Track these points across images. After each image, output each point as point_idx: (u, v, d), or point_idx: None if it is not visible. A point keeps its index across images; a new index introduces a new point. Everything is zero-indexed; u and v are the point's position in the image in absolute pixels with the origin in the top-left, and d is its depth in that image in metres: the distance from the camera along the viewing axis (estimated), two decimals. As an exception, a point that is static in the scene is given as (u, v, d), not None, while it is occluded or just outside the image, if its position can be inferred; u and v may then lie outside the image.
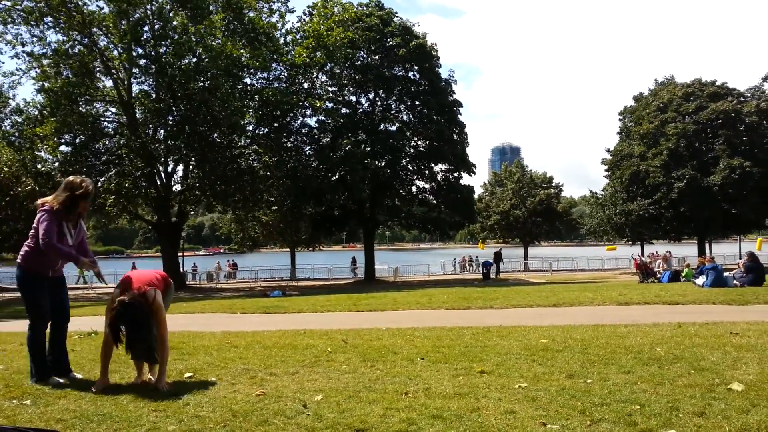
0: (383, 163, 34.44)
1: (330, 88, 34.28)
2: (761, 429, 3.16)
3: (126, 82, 27.61)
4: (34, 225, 4.65)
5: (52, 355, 4.76)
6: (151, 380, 4.51)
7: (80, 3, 26.30)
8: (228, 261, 44.29)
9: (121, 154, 28.04)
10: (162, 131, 28.72)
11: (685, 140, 38.24)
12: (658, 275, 20.85)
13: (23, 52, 26.56)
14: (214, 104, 26.52)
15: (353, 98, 35.65)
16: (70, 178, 4.81)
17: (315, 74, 31.32)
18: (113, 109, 29.46)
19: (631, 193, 40.39)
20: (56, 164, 28.26)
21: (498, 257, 35.76)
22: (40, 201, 4.73)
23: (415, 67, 34.91)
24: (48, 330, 4.80)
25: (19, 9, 25.66)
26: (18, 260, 4.77)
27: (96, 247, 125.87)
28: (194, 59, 27.08)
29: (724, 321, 7.55)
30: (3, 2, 25.65)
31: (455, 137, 35.53)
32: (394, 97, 35.48)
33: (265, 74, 29.70)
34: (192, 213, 42.32)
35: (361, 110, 35.42)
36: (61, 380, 4.58)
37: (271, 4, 28.97)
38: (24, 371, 5.06)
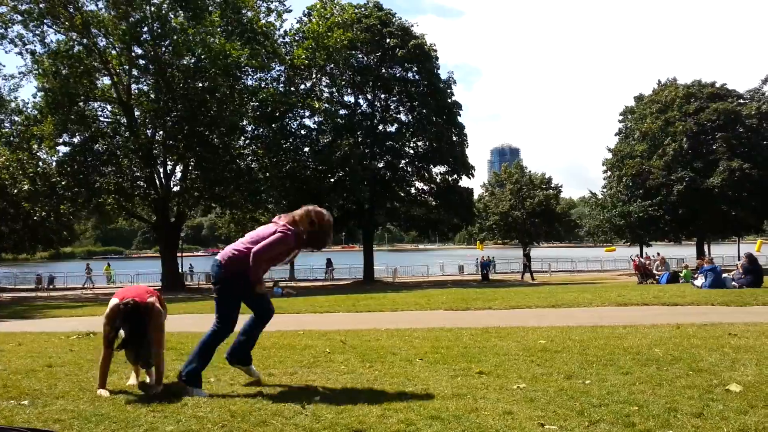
0: (382, 164, 34.43)
1: (327, 90, 34.29)
2: (759, 430, 3.16)
3: (125, 83, 27.62)
4: (260, 233, 4.40)
5: (241, 345, 4.55)
6: (148, 382, 4.51)
7: (79, 3, 26.32)
8: None
9: (120, 154, 28.01)
10: (161, 131, 28.71)
11: (688, 141, 38.33)
12: (657, 276, 20.89)
13: (26, 50, 26.59)
14: (213, 105, 26.48)
15: (352, 99, 35.68)
16: (327, 216, 4.44)
17: (314, 75, 31.32)
18: (111, 109, 29.46)
19: (631, 195, 40.42)
20: (54, 164, 28.26)
21: (528, 258, 34.45)
22: (293, 219, 4.39)
23: (414, 68, 34.91)
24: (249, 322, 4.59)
25: (20, 11, 25.67)
26: (219, 259, 4.43)
27: (95, 247, 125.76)
28: (193, 59, 27.09)
29: (723, 322, 7.54)
30: (1, 5, 25.66)
31: (454, 139, 35.55)
32: (394, 98, 35.50)
33: (263, 74, 29.73)
34: (192, 214, 42.30)
35: (360, 111, 35.43)
36: (204, 393, 4.20)
37: (269, 3, 29.01)
38: (22, 371, 5.06)
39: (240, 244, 4.44)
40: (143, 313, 4.21)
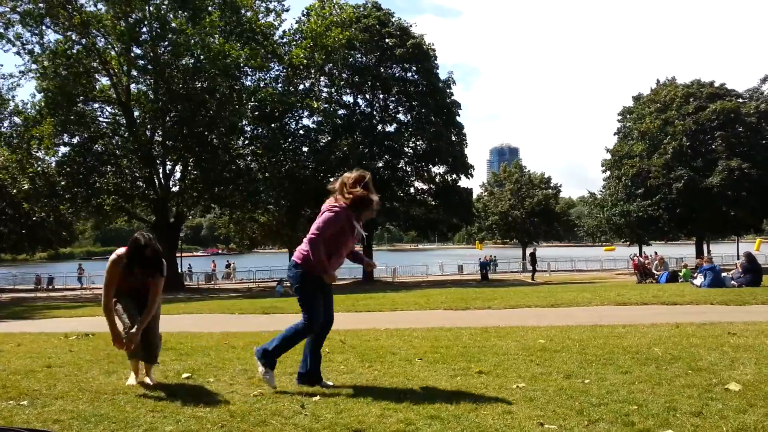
0: (381, 164, 34.41)
1: (326, 90, 34.28)
2: (758, 429, 3.16)
3: (124, 83, 27.60)
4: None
5: (311, 365, 4.45)
6: (147, 382, 4.50)
7: (78, 3, 26.30)
8: (213, 262, 44.47)
9: (119, 154, 27.99)
10: (160, 132, 28.69)
11: (688, 140, 38.34)
12: (656, 276, 20.89)
13: (24, 50, 26.58)
14: (212, 105, 26.47)
15: (350, 99, 35.68)
16: (351, 175, 4.32)
17: (313, 75, 31.32)
18: (110, 109, 29.45)
19: (630, 194, 40.41)
20: (53, 165, 28.25)
21: (534, 258, 34.10)
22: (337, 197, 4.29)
23: (413, 68, 34.92)
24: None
25: (19, 12, 25.67)
26: (294, 259, 4.37)
27: (94, 248, 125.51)
28: (192, 60, 27.09)
29: (722, 321, 7.54)
30: (1, 6, 25.65)
31: (453, 138, 35.55)
32: (392, 98, 35.49)
33: (262, 74, 29.73)
34: (191, 214, 42.33)
35: (358, 111, 35.43)
36: (273, 383, 4.24)
37: (268, 3, 29.02)
38: (21, 372, 5.05)
39: (305, 242, 4.35)
40: (153, 257, 4.24)
